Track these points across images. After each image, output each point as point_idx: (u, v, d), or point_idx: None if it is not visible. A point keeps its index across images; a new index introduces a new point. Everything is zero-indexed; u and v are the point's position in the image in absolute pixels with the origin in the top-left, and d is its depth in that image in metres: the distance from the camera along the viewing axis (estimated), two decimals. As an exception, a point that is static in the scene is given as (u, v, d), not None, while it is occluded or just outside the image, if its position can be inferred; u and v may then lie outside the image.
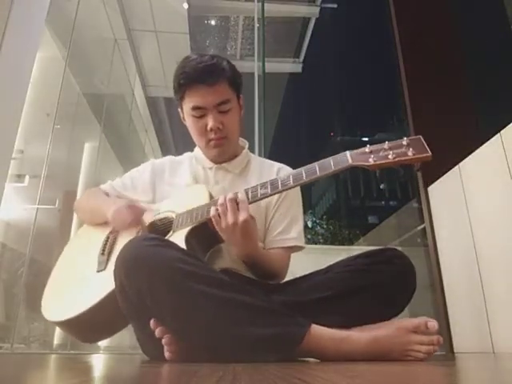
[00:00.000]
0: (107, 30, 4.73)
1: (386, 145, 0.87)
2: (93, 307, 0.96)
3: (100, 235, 1.17)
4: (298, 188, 1.17)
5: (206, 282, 0.84)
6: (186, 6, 4.66)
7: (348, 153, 0.91)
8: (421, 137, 0.86)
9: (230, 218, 0.94)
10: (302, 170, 0.95)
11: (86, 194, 1.33)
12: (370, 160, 0.87)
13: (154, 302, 0.86)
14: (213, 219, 0.97)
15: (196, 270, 0.85)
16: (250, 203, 0.97)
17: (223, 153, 1.19)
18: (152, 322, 0.88)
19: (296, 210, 1.20)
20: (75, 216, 3.96)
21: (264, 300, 0.86)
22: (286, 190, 0.97)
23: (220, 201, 0.97)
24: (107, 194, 1.28)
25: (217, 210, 0.96)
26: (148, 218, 1.15)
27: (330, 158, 0.92)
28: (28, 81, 2.13)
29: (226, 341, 0.83)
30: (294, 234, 1.17)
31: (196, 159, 1.26)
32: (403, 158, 0.85)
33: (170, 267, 0.84)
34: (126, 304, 0.91)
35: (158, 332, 0.87)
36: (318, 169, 0.92)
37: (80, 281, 1.09)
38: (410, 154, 0.84)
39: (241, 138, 1.26)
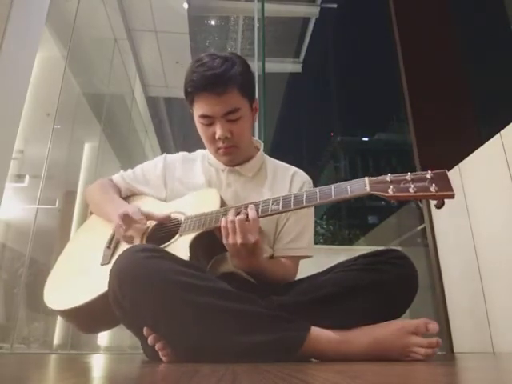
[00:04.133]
0: (107, 30, 4.72)
1: (409, 176, 0.83)
2: (95, 299, 0.96)
3: (108, 228, 1.16)
4: None
5: (206, 293, 0.83)
6: (185, 5, 4.65)
7: (367, 180, 0.87)
8: (446, 171, 0.81)
9: (239, 238, 0.93)
10: (317, 190, 0.91)
11: (97, 186, 1.28)
12: (390, 191, 0.83)
13: (149, 313, 0.86)
14: (222, 233, 0.96)
15: (194, 281, 0.84)
16: (259, 217, 0.96)
17: (233, 160, 1.16)
18: (145, 330, 0.87)
19: (308, 219, 1.18)
20: (75, 216, 3.98)
21: (264, 306, 0.86)
22: (297, 209, 0.94)
23: (230, 217, 0.95)
24: (118, 187, 1.27)
25: (226, 223, 0.95)
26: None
27: (348, 182, 0.88)
28: (28, 81, 2.13)
29: (225, 348, 0.83)
30: (305, 243, 1.16)
31: (209, 160, 1.23)
32: (425, 194, 0.80)
33: (166, 280, 0.83)
34: (120, 312, 0.91)
35: (150, 340, 0.87)
36: (333, 192, 0.89)
37: (84, 272, 1.09)
38: (432, 189, 0.79)
39: (255, 139, 1.23)
